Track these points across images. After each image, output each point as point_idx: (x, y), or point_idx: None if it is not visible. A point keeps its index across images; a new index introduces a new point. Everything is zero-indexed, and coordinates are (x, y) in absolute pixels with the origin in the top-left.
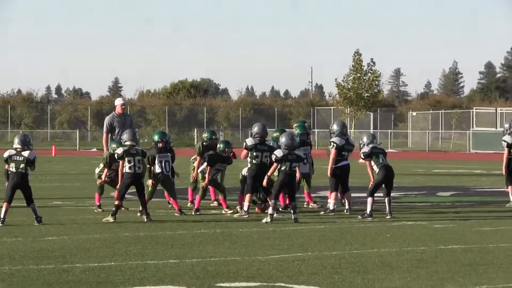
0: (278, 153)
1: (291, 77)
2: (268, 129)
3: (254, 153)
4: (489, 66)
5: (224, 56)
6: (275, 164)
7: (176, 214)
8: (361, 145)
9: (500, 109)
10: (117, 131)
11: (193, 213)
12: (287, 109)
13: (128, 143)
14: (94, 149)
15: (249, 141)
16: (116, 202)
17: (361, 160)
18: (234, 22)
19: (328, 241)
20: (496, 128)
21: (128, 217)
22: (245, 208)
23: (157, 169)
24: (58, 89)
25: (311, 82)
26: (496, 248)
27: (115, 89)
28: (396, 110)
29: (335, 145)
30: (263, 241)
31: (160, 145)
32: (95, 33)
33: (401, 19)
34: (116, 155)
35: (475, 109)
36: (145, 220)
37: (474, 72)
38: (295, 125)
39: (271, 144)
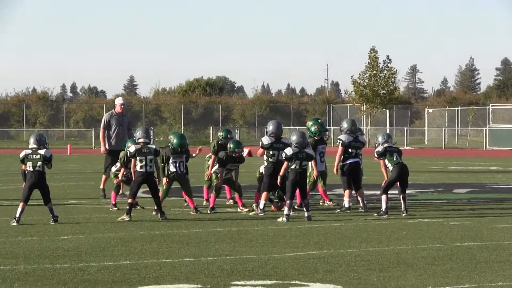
0: (288, 151)
1: (307, 74)
2: (283, 127)
3: (271, 152)
4: (506, 62)
5: (240, 54)
6: (286, 163)
7: (191, 213)
8: (376, 144)
9: None
10: (113, 128)
11: (208, 212)
12: (303, 107)
13: (141, 140)
14: None
15: (265, 140)
16: (129, 201)
17: (376, 159)
18: (249, 20)
19: (344, 238)
20: None
21: (143, 216)
22: (261, 206)
23: (172, 169)
24: (73, 87)
25: (327, 80)
26: None
27: (131, 88)
28: (412, 107)
29: (341, 142)
30: (279, 239)
31: (235, 155)
32: (110, 31)
33: (417, 16)
34: (128, 153)
35: (492, 105)
36: (160, 218)
37: (491, 68)
38: (310, 122)
39: (287, 142)
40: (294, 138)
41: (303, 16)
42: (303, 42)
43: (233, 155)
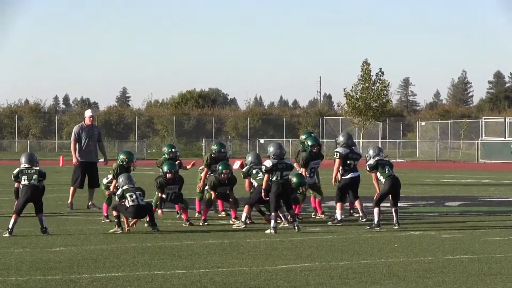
0: (267, 163)
1: (300, 87)
2: (276, 139)
3: (254, 171)
4: (498, 75)
5: (232, 66)
6: (266, 175)
7: (184, 225)
8: (367, 158)
9: (509, 119)
10: (83, 141)
11: (200, 224)
12: (295, 119)
13: (125, 187)
14: (102, 160)
15: (268, 163)
16: (114, 213)
17: (368, 172)
18: (242, 32)
19: (336, 251)
20: (505, 137)
21: (136, 228)
22: (243, 218)
23: (163, 196)
24: (66, 99)
25: (320, 92)
26: (504, 258)
27: (123, 99)
28: (405, 119)
29: (338, 154)
30: (271, 251)
31: (168, 176)
32: (103, 43)
33: (410, 29)
34: (116, 197)
35: (484, 118)
36: (152, 230)
37: (483, 81)
38: (303, 136)
39: (288, 162)
40: (271, 149)
41: (296, 28)
42: (296, 54)
43: (221, 176)
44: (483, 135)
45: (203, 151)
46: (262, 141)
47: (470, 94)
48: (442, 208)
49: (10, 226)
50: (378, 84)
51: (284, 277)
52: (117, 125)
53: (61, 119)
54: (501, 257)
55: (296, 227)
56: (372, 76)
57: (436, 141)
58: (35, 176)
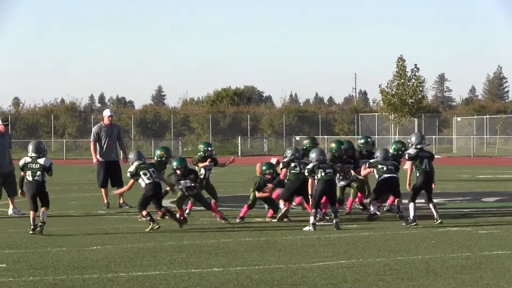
0: (310, 166)
1: (335, 83)
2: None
3: (293, 164)
4: None
5: (268, 63)
6: (310, 180)
7: (219, 221)
8: (409, 145)
9: None
10: (103, 140)
11: (237, 221)
12: (331, 116)
13: (136, 163)
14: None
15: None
16: (145, 212)
17: (405, 166)
18: (277, 30)
19: (373, 248)
20: None
21: (172, 226)
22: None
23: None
24: (102, 98)
25: (355, 89)
26: None
27: (159, 98)
28: (441, 115)
29: (407, 155)
30: (307, 248)
31: (178, 172)
32: (138, 41)
33: (445, 24)
34: (129, 174)
35: None
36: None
37: None
38: (362, 141)
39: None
40: (313, 155)
41: (331, 25)
42: (331, 51)
43: (266, 176)
44: None
45: (239, 148)
46: (297, 138)
47: (506, 89)
48: (479, 204)
49: (32, 224)
50: (413, 80)
51: (321, 274)
52: (152, 123)
53: (97, 118)
54: None
55: (336, 224)
56: (408, 72)
57: (472, 136)
58: (39, 172)
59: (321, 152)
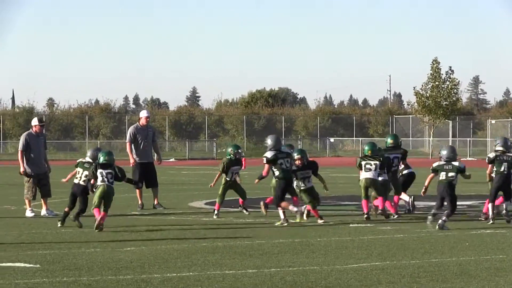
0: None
1: (370, 85)
2: (346, 138)
3: (278, 162)
4: None
5: (302, 65)
6: (266, 167)
7: (245, 212)
8: (495, 146)
9: None
10: (139, 141)
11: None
12: (365, 118)
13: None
14: (172, 159)
15: (269, 154)
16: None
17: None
18: (312, 31)
19: (407, 250)
20: None
21: (205, 227)
22: (282, 216)
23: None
24: (136, 99)
25: (390, 91)
26: None
27: (193, 99)
28: (475, 118)
29: (487, 159)
30: (342, 250)
31: (236, 156)
32: (173, 42)
33: (479, 27)
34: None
35: None
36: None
37: None
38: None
39: (286, 150)
40: (444, 153)
41: (366, 27)
42: (366, 52)
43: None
44: None
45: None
46: (332, 140)
47: None
48: None
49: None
50: (448, 83)
51: (355, 276)
52: (187, 124)
53: (131, 119)
54: None
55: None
56: (442, 74)
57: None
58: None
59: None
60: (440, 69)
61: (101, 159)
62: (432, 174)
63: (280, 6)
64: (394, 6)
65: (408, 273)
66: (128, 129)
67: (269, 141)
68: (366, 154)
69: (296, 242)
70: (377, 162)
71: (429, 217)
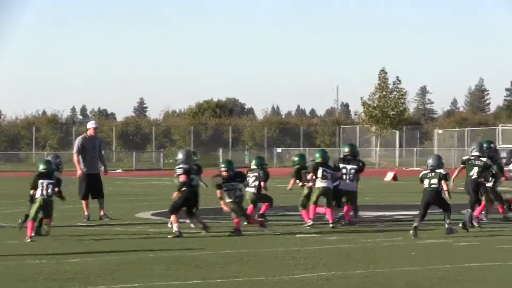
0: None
1: (317, 95)
2: (293, 148)
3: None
4: None
5: (250, 75)
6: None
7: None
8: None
9: None
10: (87, 152)
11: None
12: (312, 128)
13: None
14: (119, 170)
15: (183, 168)
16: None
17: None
18: (259, 41)
19: (353, 260)
20: None
21: (152, 238)
22: (175, 228)
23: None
24: (83, 110)
25: (337, 101)
26: None
27: (141, 110)
28: (422, 128)
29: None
30: (288, 260)
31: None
32: (120, 53)
33: (427, 37)
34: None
35: (501, 126)
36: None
37: (501, 89)
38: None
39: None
40: (430, 161)
41: (314, 37)
42: (313, 63)
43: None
44: (500, 142)
45: (220, 160)
46: (279, 150)
47: (487, 102)
48: (460, 216)
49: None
50: (395, 93)
51: (301, 286)
52: (134, 135)
53: (78, 130)
54: None
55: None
56: (389, 84)
57: (453, 149)
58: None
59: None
60: (387, 79)
61: (40, 167)
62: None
63: (226, 17)
64: (341, 15)
65: (354, 283)
66: (75, 140)
67: (180, 156)
68: (318, 161)
69: (242, 253)
70: (331, 171)
71: (411, 232)
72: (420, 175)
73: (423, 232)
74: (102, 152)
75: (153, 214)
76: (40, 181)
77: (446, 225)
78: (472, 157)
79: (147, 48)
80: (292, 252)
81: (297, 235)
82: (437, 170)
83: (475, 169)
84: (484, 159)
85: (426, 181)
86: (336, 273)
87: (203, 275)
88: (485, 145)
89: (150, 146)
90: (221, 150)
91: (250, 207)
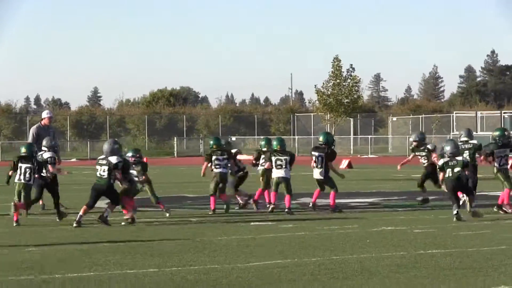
0: (440, 162)
1: (271, 84)
2: (247, 136)
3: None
4: (469, 70)
5: (204, 64)
6: (441, 174)
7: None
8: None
9: (481, 113)
10: (41, 141)
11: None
12: (267, 116)
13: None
14: (74, 159)
15: (440, 162)
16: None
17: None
18: (213, 29)
19: (308, 247)
20: (477, 132)
21: (107, 227)
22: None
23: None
24: (37, 99)
25: (291, 89)
26: (476, 252)
27: (95, 99)
28: (376, 115)
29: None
30: (243, 248)
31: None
32: (74, 42)
33: (381, 24)
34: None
35: (455, 113)
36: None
37: (454, 76)
38: (497, 133)
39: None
40: (448, 148)
41: (267, 25)
42: (267, 51)
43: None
44: (455, 130)
45: (175, 149)
46: (234, 138)
47: (442, 89)
48: (414, 203)
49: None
50: (349, 80)
51: (256, 274)
52: (88, 125)
53: (32, 119)
54: (473, 251)
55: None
56: (343, 72)
57: (407, 136)
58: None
59: None
60: (341, 67)
61: (22, 150)
62: (442, 173)
63: (180, 3)
64: (294, 1)
65: (309, 270)
66: (29, 130)
67: (106, 146)
68: (275, 148)
69: (197, 241)
70: (287, 158)
71: (454, 219)
72: (440, 163)
73: (378, 220)
74: (57, 141)
75: (107, 203)
76: (19, 164)
77: (471, 209)
78: (461, 143)
79: (100, 37)
80: (247, 240)
81: (252, 223)
82: (457, 158)
83: (467, 153)
84: (474, 141)
85: (448, 170)
86: (292, 261)
87: (159, 264)
88: (498, 133)
89: (104, 135)
90: (175, 138)
91: (258, 190)
